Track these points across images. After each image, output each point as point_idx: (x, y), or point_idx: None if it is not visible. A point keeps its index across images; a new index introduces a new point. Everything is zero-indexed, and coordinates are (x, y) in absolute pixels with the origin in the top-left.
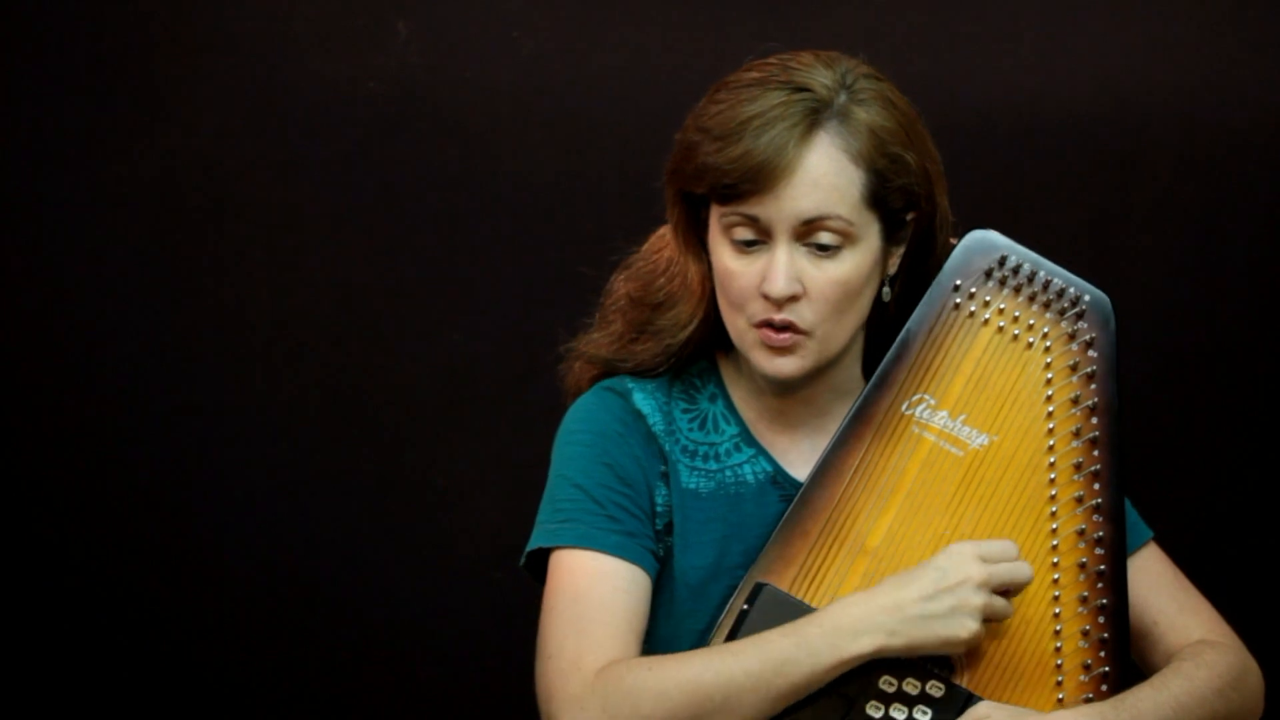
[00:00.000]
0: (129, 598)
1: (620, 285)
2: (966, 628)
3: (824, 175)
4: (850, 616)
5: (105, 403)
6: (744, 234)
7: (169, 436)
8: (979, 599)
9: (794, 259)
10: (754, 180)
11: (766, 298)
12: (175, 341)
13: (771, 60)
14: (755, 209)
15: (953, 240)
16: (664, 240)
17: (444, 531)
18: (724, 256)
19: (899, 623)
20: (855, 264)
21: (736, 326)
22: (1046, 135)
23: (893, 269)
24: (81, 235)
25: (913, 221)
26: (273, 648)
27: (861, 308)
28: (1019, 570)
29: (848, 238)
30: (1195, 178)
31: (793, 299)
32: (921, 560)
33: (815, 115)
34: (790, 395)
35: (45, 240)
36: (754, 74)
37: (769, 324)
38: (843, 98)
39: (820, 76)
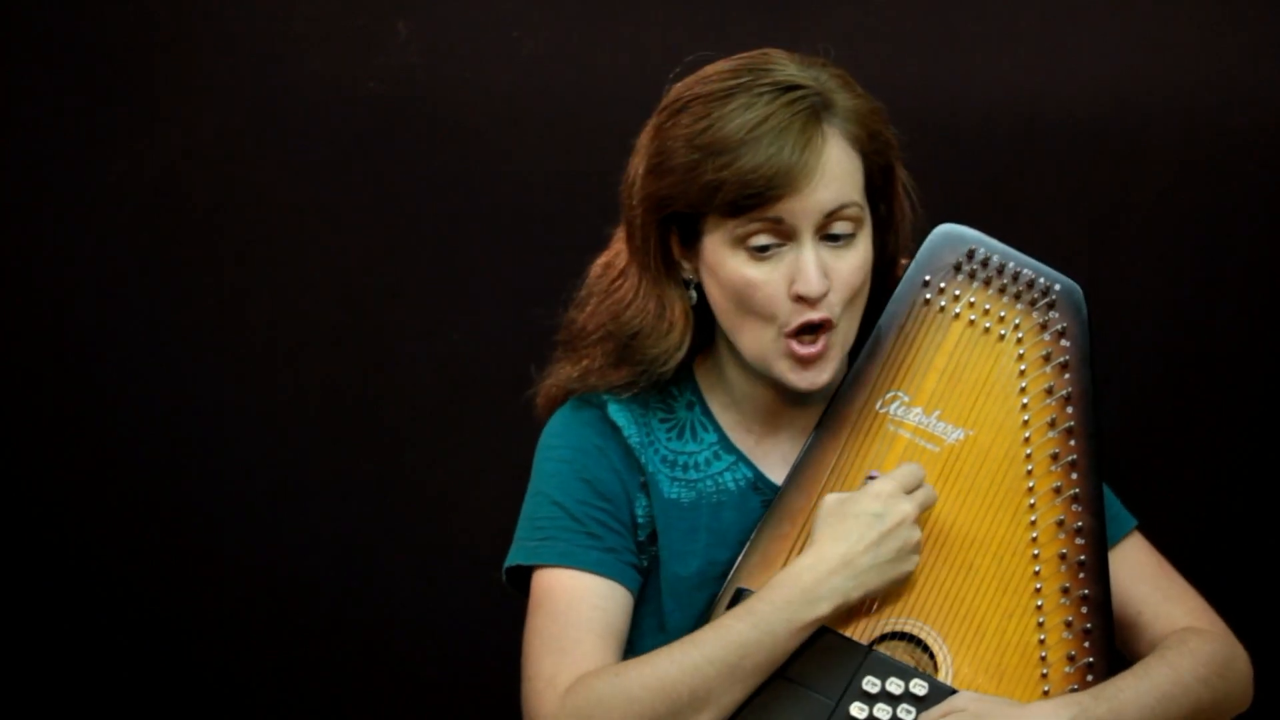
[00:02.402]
0: (129, 598)
1: (585, 319)
2: (912, 563)
3: (838, 164)
4: (802, 585)
5: (105, 403)
6: (763, 240)
7: (169, 436)
8: (916, 533)
9: (819, 254)
10: (782, 185)
11: (800, 299)
12: (175, 341)
13: (728, 68)
14: (779, 211)
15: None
16: (613, 270)
17: (444, 531)
18: (740, 268)
19: (851, 579)
20: (866, 248)
21: (760, 341)
22: (1046, 135)
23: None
24: (82, 235)
25: (884, 197)
26: (273, 648)
27: (867, 294)
28: (932, 494)
29: (859, 224)
30: (1195, 178)
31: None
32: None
33: (817, 111)
34: (777, 395)
35: (45, 240)
36: (721, 85)
37: (805, 330)
38: (825, 90)
39: (796, 71)
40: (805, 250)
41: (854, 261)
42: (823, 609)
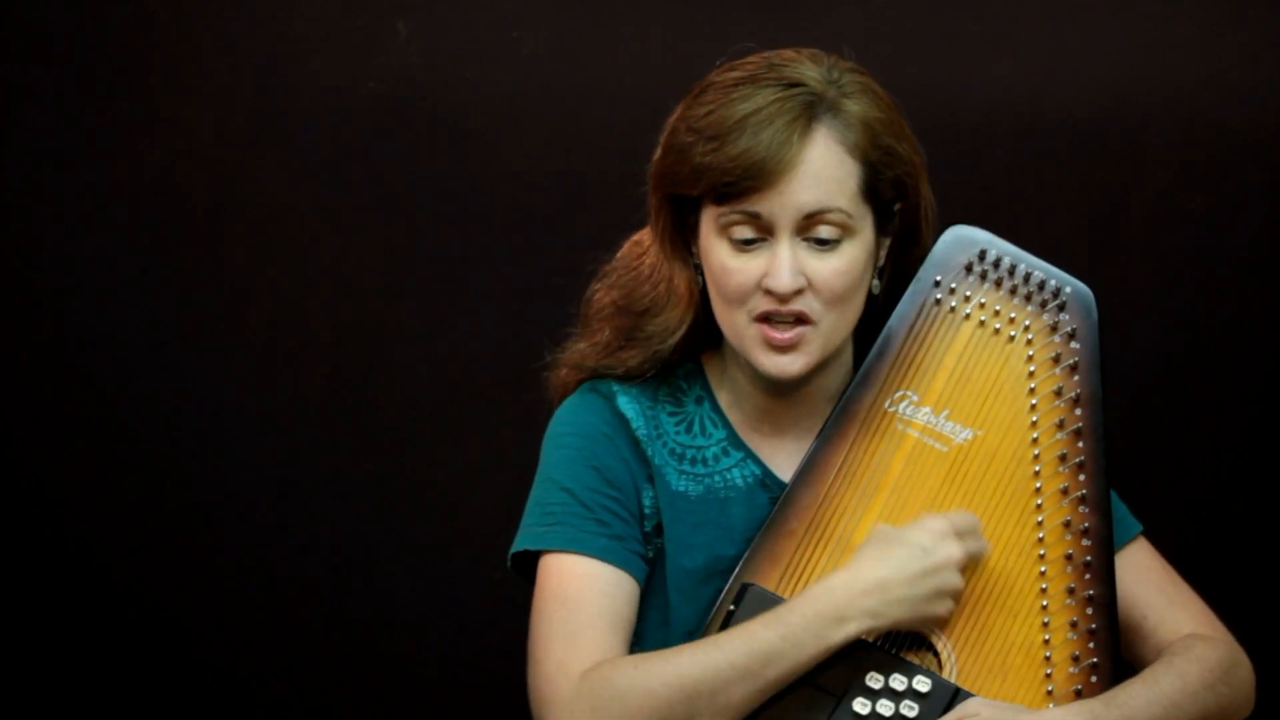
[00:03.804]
0: (129, 598)
1: (602, 294)
2: (946, 607)
3: (824, 168)
4: (833, 602)
5: (105, 403)
6: (743, 232)
7: (169, 436)
8: (958, 580)
9: (796, 253)
10: (756, 177)
11: (770, 293)
12: (175, 341)
13: (753, 59)
14: (757, 205)
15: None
16: (640, 247)
17: (444, 531)
18: (721, 255)
19: (882, 604)
20: (854, 256)
21: (735, 324)
22: (1046, 135)
23: (881, 260)
24: (82, 235)
25: (899, 213)
26: (273, 648)
27: (860, 301)
28: (985, 546)
29: (846, 230)
30: (1195, 178)
31: (797, 293)
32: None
33: (811, 109)
34: (781, 397)
35: (46, 240)
36: (737, 74)
37: (771, 318)
38: (833, 91)
39: (809, 71)
40: (781, 247)
41: (836, 266)
42: (850, 629)
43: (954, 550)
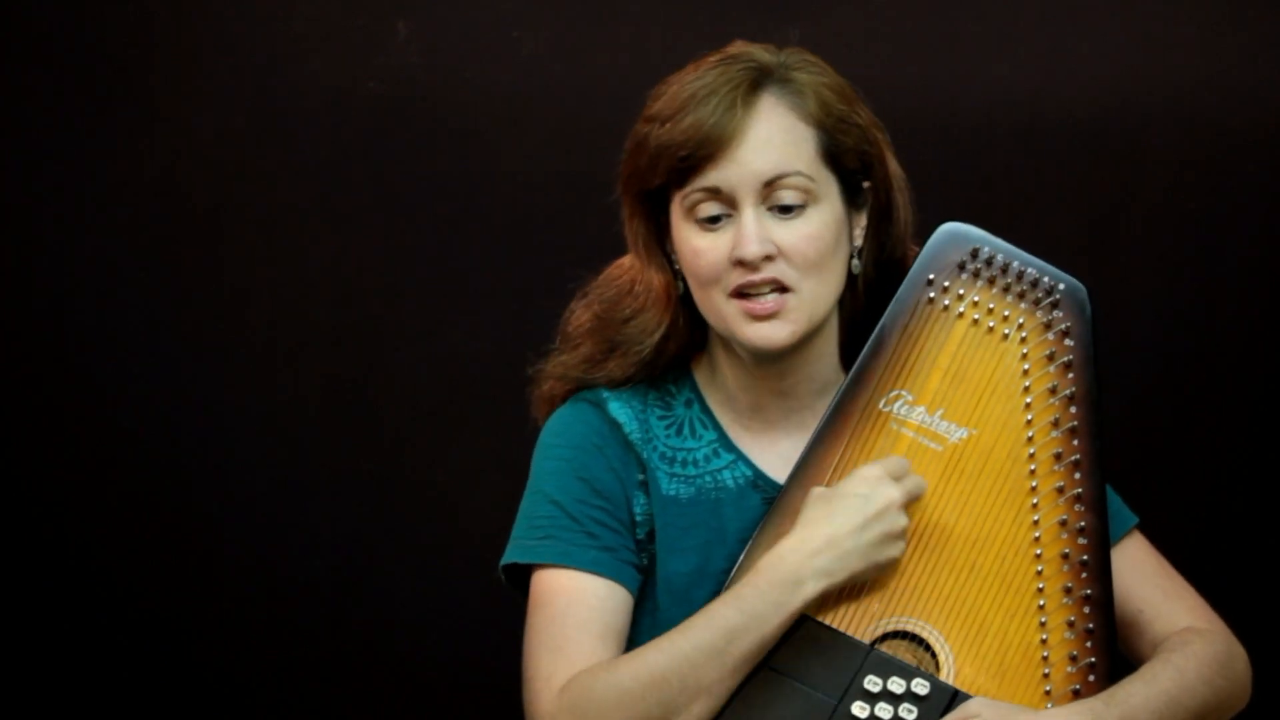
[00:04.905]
0: (129, 598)
1: (581, 311)
2: (897, 549)
3: (776, 132)
4: (786, 568)
5: (106, 403)
6: (708, 209)
7: (169, 436)
8: (903, 520)
9: (762, 221)
10: (705, 145)
11: (741, 263)
12: (175, 341)
13: (704, 56)
14: (715, 179)
15: (914, 236)
16: (621, 269)
17: (444, 531)
18: (690, 238)
19: (834, 560)
20: (822, 221)
21: (715, 305)
22: (1046, 135)
23: (859, 240)
24: (82, 235)
25: (870, 190)
26: (273, 648)
27: (838, 271)
28: (921, 483)
29: (810, 195)
30: (1195, 178)
31: (768, 260)
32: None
33: (757, 80)
34: (768, 388)
35: (46, 240)
36: (689, 66)
37: (748, 290)
38: (781, 68)
39: (758, 53)
40: (745, 216)
41: (804, 230)
42: (808, 591)
43: (892, 492)
